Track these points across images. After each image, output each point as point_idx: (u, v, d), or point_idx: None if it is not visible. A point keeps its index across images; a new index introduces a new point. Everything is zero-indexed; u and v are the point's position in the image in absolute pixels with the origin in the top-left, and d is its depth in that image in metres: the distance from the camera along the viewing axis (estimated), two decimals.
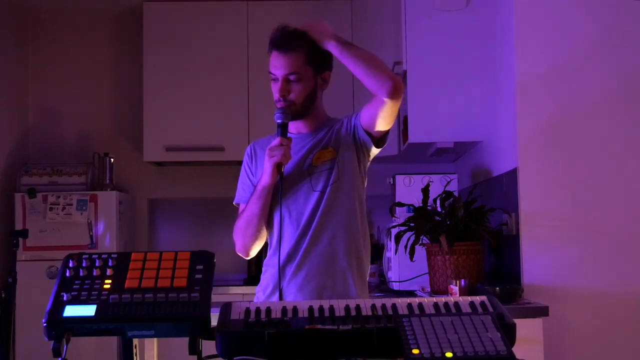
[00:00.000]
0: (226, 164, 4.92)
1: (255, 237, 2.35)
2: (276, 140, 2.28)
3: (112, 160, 4.70)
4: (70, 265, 1.63)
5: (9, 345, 4.21)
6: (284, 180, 2.30)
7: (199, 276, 1.60)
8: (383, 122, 2.29)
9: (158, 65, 4.71)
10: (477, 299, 1.69)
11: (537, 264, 3.06)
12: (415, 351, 1.44)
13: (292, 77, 2.29)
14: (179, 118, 4.69)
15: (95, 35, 5.05)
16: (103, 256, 1.67)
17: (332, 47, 2.28)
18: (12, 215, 4.42)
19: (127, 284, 1.58)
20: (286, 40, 2.28)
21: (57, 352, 1.48)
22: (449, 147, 3.81)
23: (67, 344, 1.50)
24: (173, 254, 1.66)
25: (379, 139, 2.36)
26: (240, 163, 5.28)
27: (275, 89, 2.32)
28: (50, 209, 4.38)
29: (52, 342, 1.49)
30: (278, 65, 2.29)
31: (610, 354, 3.03)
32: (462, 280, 3.01)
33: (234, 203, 2.50)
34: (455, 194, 3.49)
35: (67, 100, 4.99)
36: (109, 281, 1.59)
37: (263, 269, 2.41)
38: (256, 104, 4.71)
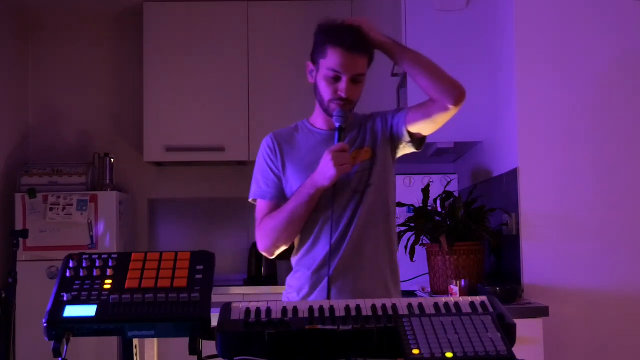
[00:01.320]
0: (226, 164, 4.93)
1: (290, 239, 2.27)
2: (339, 145, 2.16)
3: (112, 160, 4.70)
4: (70, 265, 1.63)
5: (9, 345, 4.21)
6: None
7: (199, 276, 1.60)
8: (434, 126, 2.24)
9: (158, 65, 4.71)
10: (477, 299, 1.69)
11: (537, 264, 3.06)
12: (415, 351, 1.44)
13: (357, 78, 2.20)
14: (179, 118, 4.69)
15: (95, 35, 5.05)
16: (103, 256, 1.67)
17: (392, 51, 2.22)
18: (12, 215, 4.42)
19: (127, 284, 1.58)
20: (357, 40, 2.20)
21: (57, 352, 1.48)
22: (449, 147, 3.81)
23: (67, 344, 1.50)
24: (173, 254, 1.66)
25: (420, 141, 2.30)
26: (240, 163, 5.30)
27: (334, 88, 2.20)
28: (50, 209, 4.38)
29: (52, 342, 1.49)
30: (348, 65, 2.18)
31: (610, 353, 3.03)
32: (462, 280, 3.01)
33: (250, 199, 2.36)
34: (455, 194, 3.49)
35: (67, 100, 5.00)
36: (109, 281, 1.59)
37: (294, 269, 2.32)
38: (256, 104, 4.71)
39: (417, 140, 2.29)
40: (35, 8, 5.01)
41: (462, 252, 3.13)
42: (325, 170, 2.13)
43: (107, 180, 4.64)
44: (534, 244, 3.07)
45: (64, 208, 4.39)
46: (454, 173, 4.04)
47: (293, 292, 2.29)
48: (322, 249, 2.22)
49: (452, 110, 2.18)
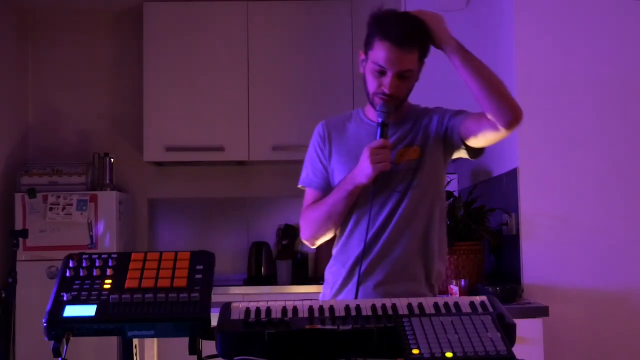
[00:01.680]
0: (226, 164, 4.93)
1: (330, 232, 2.23)
2: (379, 141, 2.07)
3: (112, 160, 4.70)
4: (70, 265, 1.63)
5: (9, 345, 4.21)
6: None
7: (199, 276, 1.60)
8: (485, 142, 2.13)
9: (158, 65, 4.71)
10: (477, 299, 1.69)
11: (537, 264, 3.07)
12: (415, 351, 1.44)
13: (404, 74, 2.07)
14: (179, 118, 4.69)
15: (95, 35, 5.05)
16: (103, 256, 1.67)
17: (452, 53, 2.06)
18: (12, 215, 4.42)
19: (127, 284, 1.58)
20: (407, 36, 2.05)
21: (57, 352, 1.48)
22: None
23: (67, 344, 1.50)
24: (173, 254, 1.66)
25: (476, 151, 2.20)
26: (240, 163, 5.30)
27: (378, 82, 2.09)
28: (50, 209, 4.38)
29: (52, 342, 1.49)
30: (394, 60, 2.04)
31: (610, 354, 3.03)
32: (462, 280, 3.01)
33: (299, 185, 2.32)
34: (455, 194, 3.49)
35: (67, 100, 5.00)
36: (109, 281, 1.59)
37: (331, 261, 2.28)
38: (256, 104, 4.71)
39: (473, 150, 2.18)
40: (35, 8, 5.01)
41: (462, 252, 3.13)
42: (363, 168, 2.07)
43: (107, 180, 4.64)
44: (534, 244, 3.07)
45: (64, 208, 4.39)
46: (454, 173, 4.03)
47: (328, 288, 2.25)
48: (356, 246, 2.17)
49: (503, 132, 2.04)
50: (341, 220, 2.19)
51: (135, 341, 1.73)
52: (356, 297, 2.09)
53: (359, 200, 2.16)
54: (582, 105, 3.13)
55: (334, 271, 2.26)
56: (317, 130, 2.29)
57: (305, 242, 2.30)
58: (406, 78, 2.08)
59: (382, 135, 2.09)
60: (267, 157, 4.71)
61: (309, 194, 2.28)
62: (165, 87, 4.70)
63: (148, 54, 4.72)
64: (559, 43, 3.15)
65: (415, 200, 2.15)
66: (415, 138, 2.17)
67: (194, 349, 1.50)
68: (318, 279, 4.66)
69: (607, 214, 3.08)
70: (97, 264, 1.64)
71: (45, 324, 1.50)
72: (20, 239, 4.24)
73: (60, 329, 1.49)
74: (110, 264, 1.64)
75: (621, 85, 3.14)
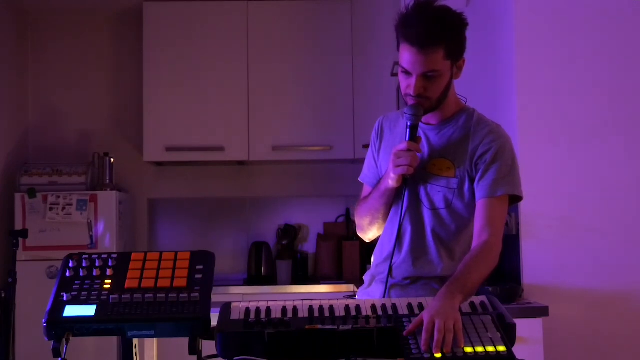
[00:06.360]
0: (226, 164, 4.93)
1: (375, 228, 2.20)
2: (403, 145, 2.01)
3: (112, 160, 4.69)
4: (70, 265, 1.64)
5: (9, 345, 4.21)
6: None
7: (199, 276, 1.60)
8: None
9: (158, 65, 4.71)
10: (477, 299, 1.69)
11: (537, 264, 3.06)
12: (415, 351, 1.44)
13: (429, 74, 1.99)
14: (179, 118, 4.69)
15: (95, 35, 5.05)
16: (103, 256, 1.67)
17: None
18: (12, 215, 4.42)
19: (127, 284, 1.58)
20: (427, 36, 1.96)
21: (57, 352, 1.48)
22: None
23: (67, 344, 1.50)
24: (173, 254, 1.67)
25: None
26: (240, 163, 5.31)
27: (407, 84, 2.02)
28: (50, 209, 4.38)
29: (52, 342, 1.49)
30: (415, 62, 1.97)
31: (610, 354, 3.03)
32: None
33: (358, 179, 2.31)
34: None
35: (67, 100, 4.99)
36: (109, 281, 1.59)
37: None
38: (256, 104, 4.71)
39: None
40: (35, 8, 5.00)
41: None
42: (389, 170, 2.05)
43: (107, 180, 4.64)
44: (534, 244, 3.07)
45: (64, 208, 4.39)
46: None
47: (364, 287, 2.22)
48: (386, 246, 2.14)
49: None
50: (382, 218, 2.16)
51: (135, 341, 1.73)
52: (384, 296, 2.06)
53: (396, 201, 2.12)
54: (582, 105, 3.13)
55: (368, 271, 2.23)
56: (374, 127, 2.25)
57: (360, 235, 2.28)
58: (434, 78, 2.00)
59: (411, 138, 2.03)
60: (267, 157, 4.71)
61: (364, 188, 2.27)
62: (165, 87, 4.70)
63: (148, 54, 4.72)
64: (559, 43, 3.15)
65: (444, 218, 2.08)
66: (450, 150, 2.09)
67: (194, 349, 1.50)
68: (318, 279, 4.67)
69: (607, 214, 3.08)
70: (97, 264, 1.64)
71: (45, 324, 1.50)
72: (20, 239, 4.24)
73: (60, 329, 1.49)
74: (110, 264, 1.64)
75: (621, 85, 3.14)
